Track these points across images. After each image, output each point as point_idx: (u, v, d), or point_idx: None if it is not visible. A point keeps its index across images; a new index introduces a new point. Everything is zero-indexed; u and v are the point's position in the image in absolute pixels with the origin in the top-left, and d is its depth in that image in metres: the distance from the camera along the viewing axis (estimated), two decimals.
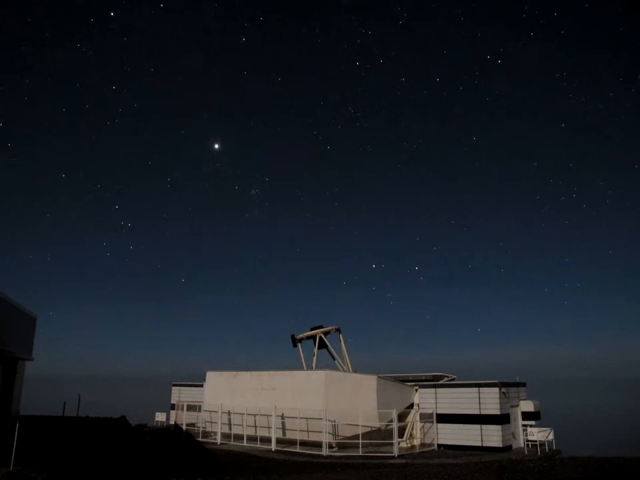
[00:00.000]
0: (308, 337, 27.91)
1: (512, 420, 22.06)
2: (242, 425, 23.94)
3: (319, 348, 27.43)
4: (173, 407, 31.77)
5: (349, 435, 21.46)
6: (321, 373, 23.32)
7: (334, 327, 27.81)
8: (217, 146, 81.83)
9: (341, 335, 27.57)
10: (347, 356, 27.03)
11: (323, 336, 27.38)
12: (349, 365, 26.63)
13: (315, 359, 27.35)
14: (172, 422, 30.50)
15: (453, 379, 25.73)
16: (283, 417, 22.98)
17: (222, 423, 24.89)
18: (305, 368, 26.92)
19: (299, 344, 28.01)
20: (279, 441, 22.46)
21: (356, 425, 20.84)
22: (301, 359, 27.67)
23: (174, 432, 27.30)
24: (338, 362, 26.99)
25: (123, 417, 26.17)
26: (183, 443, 23.75)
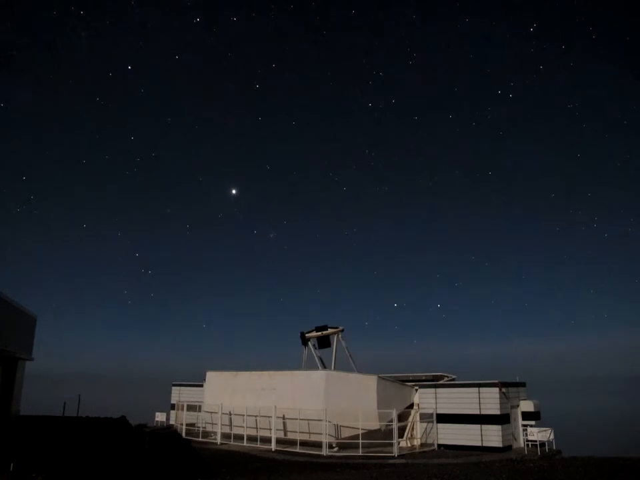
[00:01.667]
0: (317, 337, 27.83)
1: (512, 420, 22.05)
2: (242, 425, 23.91)
3: (322, 347, 27.43)
4: (173, 407, 31.75)
5: (349, 435, 21.46)
6: (321, 373, 23.33)
7: (340, 328, 27.74)
8: (234, 191, 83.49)
9: (341, 337, 27.49)
10: (350, 357, 27.06)
11: (337, 335, 27.41)
12: (354, 366, 26.67)
13: (327, 357, 27.40)
14: (172, 422, 30.52)
15: (453, 379, 25.73)
16: (284, 417, 22.96)
17: (222, 424, 24.87)
18: (318, 367, 26.80)
19: (309, 342, 27.91)
20: (279, 441, 22.45)
21: (356, 425, 20.83)
22: (315, 358, 27.56)
23: (174, 432, 27.33)
24: (344, 361, 27.01)
25: (123, 417, 26.18)
26: (182, 444, 23.74)
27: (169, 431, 28.36)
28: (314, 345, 27.80)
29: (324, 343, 27.71)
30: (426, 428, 22.81)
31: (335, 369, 25.85)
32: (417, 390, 23.85)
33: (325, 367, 26.71)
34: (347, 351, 26.90)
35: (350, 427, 21.37)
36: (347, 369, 26.02)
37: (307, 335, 27.98)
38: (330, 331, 27.56)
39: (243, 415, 23.89)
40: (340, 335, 27.41)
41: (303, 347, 27.87)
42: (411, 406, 23.48)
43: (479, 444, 21.15)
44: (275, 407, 22.57)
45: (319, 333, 27.74)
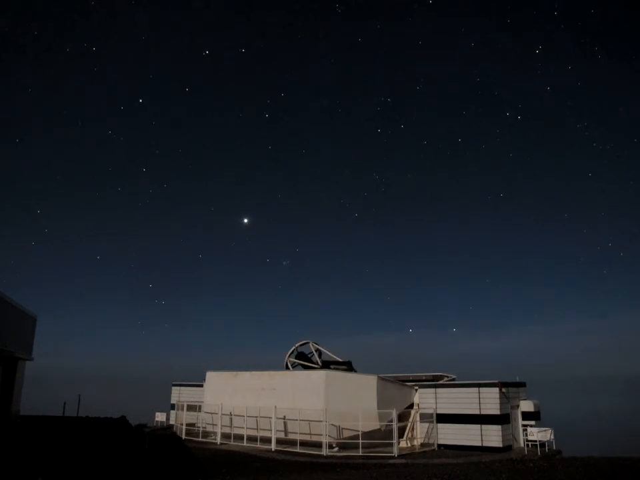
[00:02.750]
0: (299, 364, 27.91)
1: (512, 420, 22.04)
2: (243, 426, 23.90)
3: (306, 369, 27.08)
4: (173, 407, 31.73)
5: (349, 435, 21.45)
6: (321, 373, 23.32)
7: (304, 342, 27.96)
8: (246, 220, 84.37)
9: (319, 348, 27.61)
10: (332, 356, 27.29)
11: (309, 360, 27.65)
12: (338, 360, 26.93)
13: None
14: (172, 422, 30.51)
15: (453, 379, 25.73)
16: (284, 418, 22.95)
17: (222, 425, 24.86)
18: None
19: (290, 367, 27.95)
20: (279, 441, 22.45)
21: (356, 425, 20.83)
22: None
23: (174, 432, 27.31)
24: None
25: (123, 417, 26.19)
26: (182, 444, 23.73)
27: (168, 431, 28.35)
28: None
29: (308, 365, 27.53)
30: (428, 428, 22.79)
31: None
32: (416, 390, 23.84)
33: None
34: (327, 354, 27.23)
35: (350, 427, 21.36)
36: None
37: (289, 362, 27.89)
38: (304, 361, 27.70)
39: (243, 416, 23.87)
40: (316, 349, 27.56)
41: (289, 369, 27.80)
42: (411, 406, 23.48)
43: (479, 444, 21.14)
44: (275, 407, 22.57)
45: (302, 362, 27.83)
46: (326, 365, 26.64)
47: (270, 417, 22.59)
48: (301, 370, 27.17)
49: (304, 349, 28.49)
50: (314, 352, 27.64)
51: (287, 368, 27.68)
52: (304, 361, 27.87)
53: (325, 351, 27.82)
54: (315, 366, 26.75)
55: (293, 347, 28.30)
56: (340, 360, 27.35)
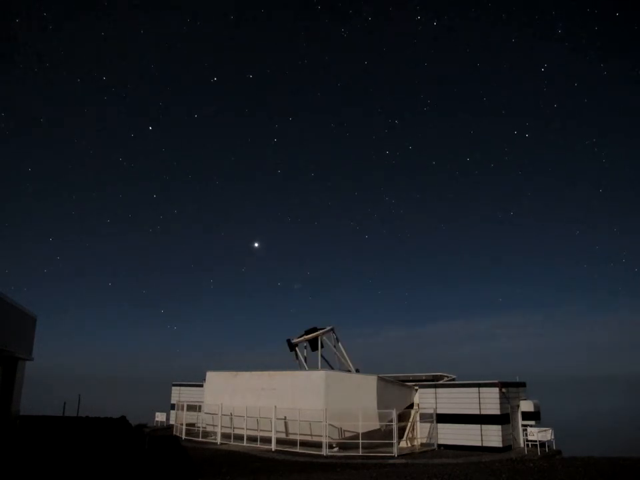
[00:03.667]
0: (306, 340, 27.31)
1: (512, 420, 22.04)
2: (242, 427, 23.90)
3: (314, 350, 26.84)
4: (173, 407, 31.74)
5: (349, 435, 21.45)
6: (321, 373, 23.32)
7: (329, 328, 27.38)
8: (256, 244, 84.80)
9: (335, 335, 27.28)
10: (345, 354, 26.95)
11: (322, 337, 27.05)
12: (349, 363, 26.58)
13: (319, 360, 27.06)
14: (172, 422, 30.50)
15: (453, 379, 25.72)
16: (285, 419, 22.94)
17: (222, 425, 24.85)
18: (306, 369, 26.75)
19: (296, 348, 27.68)
20: (279, 441, 22.45)
21: (356, 425, 20.83)
22: (302, 361, 27.30)
23: (174, 432, 27.30)
24: (337, 360, 26.82)
25: (123, 417, 26.21)
26: (182, 444, 23.74)
27: (169, 431, 28.36)
28: (305, 347, 27.37)
29: (314, 345, 27.08)
30: (429, 428, 22.78)
31: (332, 368, 25.85)
32: (417, 390, 23.84)
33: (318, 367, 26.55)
34: (340, 349, 26.83)
35: (350, 427, 21.36)
36: (344, 368, 26.09)
37: (294, 341, 27.48)
38: (318, 333, 26.90)
39: (243, 416, 23.87)
40: (332, 334, 27.17)
41: (291, 352, 27.40)
42: (411, 406, 23.48)
43: (479, 444, 21.15)
44: (275, 407, 22.57)
45: (308, 336, 27.07)
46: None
47: (270, 417, 22.58)
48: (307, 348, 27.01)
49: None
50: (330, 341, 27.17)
51: (292, 349, 27.18)
52: (314, 340, 26.90)
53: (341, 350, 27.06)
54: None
55: (304, 332, 27.63)
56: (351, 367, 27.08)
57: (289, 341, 27.70)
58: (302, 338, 27.38)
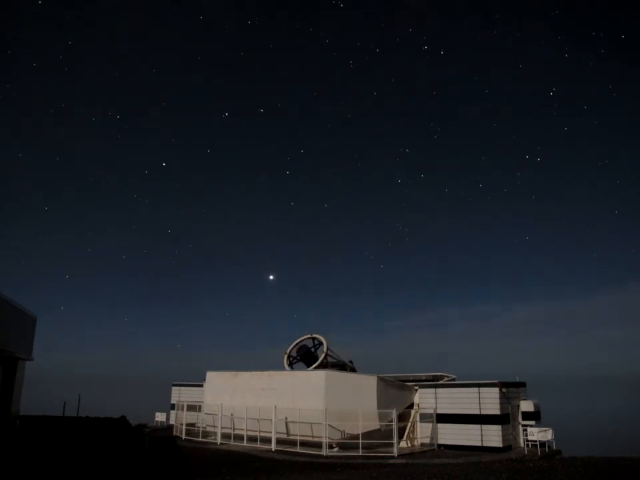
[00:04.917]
0: (300, 361, 27.37)
1: (512, 420, 22.04)
2: (242, 428, 23.90)
3: (309, 367, 26.37)
4: (173, 407, 31.73)
5: (349, 435, 21.45)
6: (321, 373, 23.31)
7: (318, 342, 27.32)
8: (271, 277, 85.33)
9: (325, 343, 27.00)
10: (338, 355, 27.18)
11: (315, 352, 27.18)
12: (343, 360, 26.73)
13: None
14: (172, 422, 30.50)
15: (453, 379, 25.73)
16: (286, 419, 22.93)
17: (222, 425, 24.85)
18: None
19: (292, 366, 27.58)
20: (279, 441, 22.45)
21: (356, 425, 20.82)
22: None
23: (174, 432, 27.30)
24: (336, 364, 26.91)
25: (123, 417, 26.18)
26: (182, 444, 23.73)
27: (169, 431, 28.36)
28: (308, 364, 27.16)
29: (310, 360, 26.98)
30: (431, 428, 22.77)
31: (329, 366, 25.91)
32: (417, 390, 23.84)
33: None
34: (333, 352, 26.94)
35: (350, 427, 21.35)
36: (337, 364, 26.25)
37: (292, 361, 27.50)
38: (312, 350, 27.21)
39: (244, 418, 23.87)
40: (323, 345, 27.06)
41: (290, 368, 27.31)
42: (411, 406, 23.48)
43: (479, 444, 21.15)
44: (275, 407, 22.56)
45: (301, 356, 27.29)
46: (324, 365, 26.22)
47: (270, 418, 22.57)
48: (302, 366, 26.95)
49: (307, 343, 27.85)
50: (316, 347, 27.19)
51: (289, 364, 27.40)
52: (307, 356, 27.08)
53: (334, 353, 27.08)
54: (322, 361, 25.99)
55: (294, 343, 27.79)
56: (344, 361, 27.16)
57: (288, 357, 27.67)
58: (296, 360, 27.51)
